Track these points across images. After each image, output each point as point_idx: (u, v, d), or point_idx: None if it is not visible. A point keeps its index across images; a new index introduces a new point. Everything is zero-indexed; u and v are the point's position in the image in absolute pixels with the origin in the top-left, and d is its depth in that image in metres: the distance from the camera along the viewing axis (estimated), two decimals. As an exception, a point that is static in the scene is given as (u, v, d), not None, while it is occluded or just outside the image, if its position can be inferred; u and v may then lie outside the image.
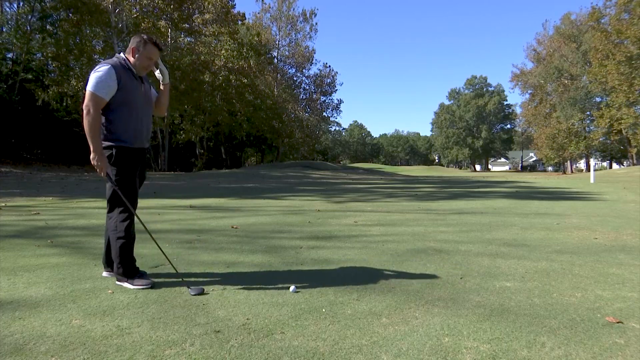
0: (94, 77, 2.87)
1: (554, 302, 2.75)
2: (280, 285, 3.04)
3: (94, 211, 7.35)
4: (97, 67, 2.94)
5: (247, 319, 2.42)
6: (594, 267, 3.67)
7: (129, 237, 3.02)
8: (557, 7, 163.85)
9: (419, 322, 2.40)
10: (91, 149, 2.87)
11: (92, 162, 2.90)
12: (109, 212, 3.07)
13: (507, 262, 3.86)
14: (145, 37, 3.05)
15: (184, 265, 3.63)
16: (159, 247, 3.21)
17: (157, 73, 3.24)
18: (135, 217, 3.07)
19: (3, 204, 8.10)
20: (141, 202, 8.96)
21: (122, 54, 3.06)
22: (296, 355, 1.98)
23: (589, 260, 3.94)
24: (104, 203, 9.44)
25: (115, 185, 2.96)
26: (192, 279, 3.19)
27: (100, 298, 2.75)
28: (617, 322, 2.41)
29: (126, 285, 3.00)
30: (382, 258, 3.98)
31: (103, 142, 2.95)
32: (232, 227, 5.71)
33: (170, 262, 3.26)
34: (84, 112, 2.86)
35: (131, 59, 3.03)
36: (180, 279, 3.14)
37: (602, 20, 38.92)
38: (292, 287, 2.95)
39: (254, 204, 9.07)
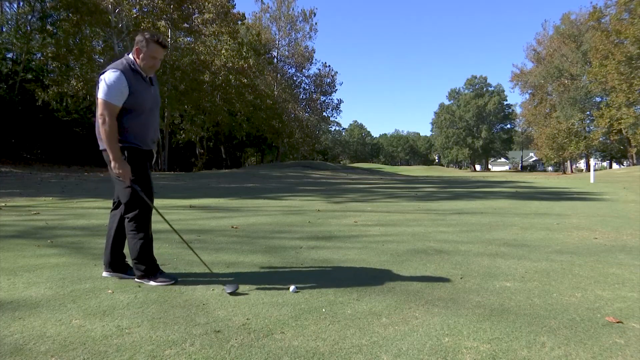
0: (105, 83, 2.83)
1: (554, 302, 2.75)
2: (280, 285, 3.04)
3: (94, 211, 7.35)
4: (106, 71, 2.89)
5: (247, 319, 2.42)
6: (594, 267, 3.67)
7: (147, 237, 3.05)
8: (557, 7, 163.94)
9: (419, 322, 2.40)
10: (111, 157, 2.86)
11: (114, 171, 2.89)
12: (124, 213, 3.05)
13: (507, 262, 3.86)
14: (147, 35, 2.98)
15: (183, 265, 3.63)
16: (189, 246, 3.21)
17: None
18: (152, 217, 3.11)
19: (3, 204, 8.10)
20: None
21: (130, 56, 3.00)
22: (296, 355, 1.98)
23: (589, 260, 3.94)
24: (103, 203, 9.37)
25: (141, 191, 2.97)
26: (192, 279, 3.19)
27: (100, 298, 2.75)
28: (617, 322, 2.41)
29: (148, 282, 3.03)
30: (382, 258, 3.98)
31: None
32: (232, 227, 5.71)
33: (199, 257, 3.26)
34: (100, 121, 2.84)
35: (137, 61, 2.98)
36: (216, 278, 3.16)
37: (603, 20, 38.92)
38: (292, 287, 2.95)
39: (254, 204, 9.06)
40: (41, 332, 2.21)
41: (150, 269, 3.06)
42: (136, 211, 3.00)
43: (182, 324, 2.33)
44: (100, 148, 3.00)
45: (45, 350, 2.01)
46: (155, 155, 3.31)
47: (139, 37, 2.99)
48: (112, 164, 2.88)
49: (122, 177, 2.91)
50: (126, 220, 3.05)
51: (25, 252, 4.06)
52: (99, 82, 2.91)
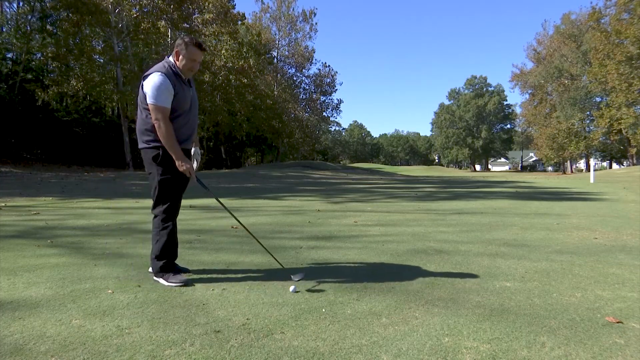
0: (152, 88, 2.91)
1: (554, 302, 2.75)
2: (280, 285, 3.04)
3: (94, 211, 7.35)
4: (149, 76, 2.97)
5: (247, 319, 2.42)
6: (594, 267, 3.67)
7: (171, 235, 3.12)
8: (557, 7, 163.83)
9: (419, 322, 2.40)
10: (174, 157, 2.98)
11: (179, 170, 3.01)
12: (152, 209, 3.16)
13: (507, 262, 3.86)
14: (186, 39, 3.06)
15: (183, 265, 3.62)
16: (256, 239, 3.20)
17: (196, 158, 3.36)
18: (177, 216, 3.20)
19: (3, 204, 8.10)
20: (142, 202, 8.97)
21: (170, 58, 3.08)
22: (296, 355, 1.98)
23: (589, 260, 3.94)
24: (103, 203, 9.32)
25: (207, 189, 3.17)
26: (192, 279, 3.19)
27: (100, 298, 2.75)
28: (617, 322, 2.41)
29: (161, 281, 3.07)
30: (382, 258, 3.98)
31: (152, 142, 3.03)
32: (232, 227, 5.70)
33: (272, 256, 3.28)
34: (156, 125, 2.94)
35: (177, 63, 3.07)
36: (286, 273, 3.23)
37: (602, 21, 38.91)
38: (292, 287, 2.95)
39: (254, 204, 9.06)
40: (41, 332, 2.21)
41: (167, 266, 3.12)
42: (164, 208, 3.10)
43: (182, 324, 2.33)
44: (139, 147, 3.12)
45: (45, 350, 2.01)
46: (199, 154, 3.40)
47: (178, 41, 3.08)
48: (176, 163, 2.99)
49: (186, 173, 3.03)
50: (153, 216, 3.15)
51: (25, 252, 4.06)
52: (142, 87, 3.00)
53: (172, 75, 3.00)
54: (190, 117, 3.18)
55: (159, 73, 2.96)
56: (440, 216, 7.13)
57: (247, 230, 3.46)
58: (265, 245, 4.58)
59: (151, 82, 2.93)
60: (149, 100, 2.93)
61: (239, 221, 3.42)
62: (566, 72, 49.60)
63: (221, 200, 3.46)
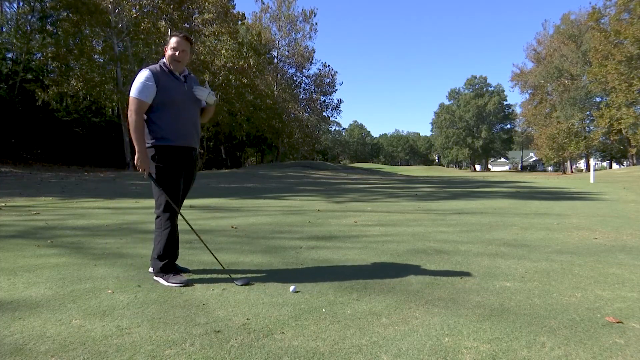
0: (134, 82, 3.03)
1: (554, 302, 2.75)
2: (280, 285, 3.04)
3: (94, 211, 7.35)
4: (138, 73, 3.09)
5: (247, 319, 2.42)
6: (594, 267, 3.67)
7: (171, 236, 3.13)
8: (557, 7, 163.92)
9: (419, 322, 2.40)
10: (136, 150, 3.01)
11: (135, 162, 3.03)
12: (155, 210, 3.17)
13: (507, 262, 3.86)
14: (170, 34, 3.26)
15: (183, 265, 3.62)
16: (206, 246, 3.20)
17: (197, 93, 3.23)
18: (178, 215, 3.19)
19: (3, 204, 8.10)
20: (142, 202, 8.98)
21: (162, 59, 3.20)
22: (296, 355, 1.98)
23: (589, 260, 3.94)
24: (103, 203, 9.33)
25: (158, 185, 3.07)
26: (192, 279, 3.19)
27: (100, 298, 2.75)
28: (617, 322, 2.41)
29: (161, 281, 3.08)
30: (382, 258, 3.98)
31: (148, 141, 3.07)
32: (232, 227, 5.70)
33: (216, 258, 3.28)
34: (128, 116, 3.01)
35: (166, 60, 3.16)
36: (228, 275, 3.22)
37: (602, 21, 38.92)
38: (292, 287, 2.95)
39: (254, 204, 9.06)
40: (41, 332, 2.21)
41: (168, 266, 3.13)
42: (162, 208, 3.11)
43: (182, 324, 2.33)
44: (146, 146, 3.16)
45: (45, 350, 2.01)
46: (198, 154, 3.39)
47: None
48: (136, 155, 3.01)
49: (141, 169, 3.05)
50: (155, 216, 3.16)
51: (25, 252, 4.06)
52: None
53: (159, 70, 3.08)
54: (187, 113, 3.16)
55: (145, 69, 3.08)
56: (440, 216, 7.13)
57: (195, 233, 3.46)
58: (265, 245, 4.59)
59: (135, 78, 3.05)
60: (130, 94, 3.03)
61: (188, 223, 3.39)
62: (566, 72, 49.60)
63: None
